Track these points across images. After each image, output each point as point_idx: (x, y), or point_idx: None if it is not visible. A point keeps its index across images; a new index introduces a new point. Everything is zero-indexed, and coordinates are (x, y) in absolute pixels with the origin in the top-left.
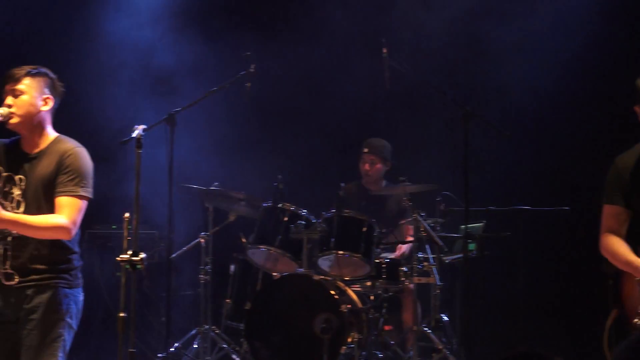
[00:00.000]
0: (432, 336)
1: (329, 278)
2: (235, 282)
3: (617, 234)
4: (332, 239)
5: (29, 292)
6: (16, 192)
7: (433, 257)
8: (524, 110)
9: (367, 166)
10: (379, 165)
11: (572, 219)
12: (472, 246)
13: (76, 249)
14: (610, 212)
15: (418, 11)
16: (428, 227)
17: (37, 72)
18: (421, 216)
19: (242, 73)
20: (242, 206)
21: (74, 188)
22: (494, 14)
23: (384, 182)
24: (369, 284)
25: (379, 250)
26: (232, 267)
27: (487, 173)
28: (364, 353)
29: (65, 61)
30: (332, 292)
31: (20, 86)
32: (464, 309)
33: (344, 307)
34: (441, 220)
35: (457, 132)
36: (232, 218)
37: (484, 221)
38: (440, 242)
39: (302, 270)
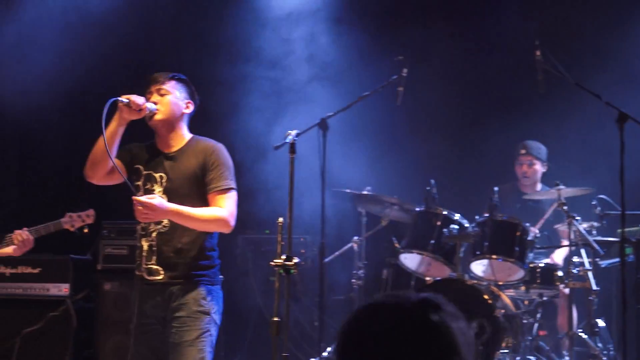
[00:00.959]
0: (588, 341)
1: (482, 283)
2: (388, 287)
3: None
4: (486, 243)
5: (175, 289)
6: (157, 189)
7: (589, 262)
8: None
9: (524, 167)
10: (536, 167)
11: None
12: (628, 250)
13: (216, 247)
14: None
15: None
16: (583, 232)
17: (180, 78)
18: (576, 220)
19: (394, 77)
20: (394, 210)
21: (226, 182)
22: None
23: (539, 185)
24: (523, 288)
25: (532, 254)
26: (384, 272)
27: None
28: (518, 358)
29: (212, 69)
30: (486, 296)
31: (165, 87)
32: (621, 314)
33: (498, 312)
34: (597, 224)
35: (613, 135)
36: (384, 222)
37: None
38: (596, 247)
39: (455, 274)
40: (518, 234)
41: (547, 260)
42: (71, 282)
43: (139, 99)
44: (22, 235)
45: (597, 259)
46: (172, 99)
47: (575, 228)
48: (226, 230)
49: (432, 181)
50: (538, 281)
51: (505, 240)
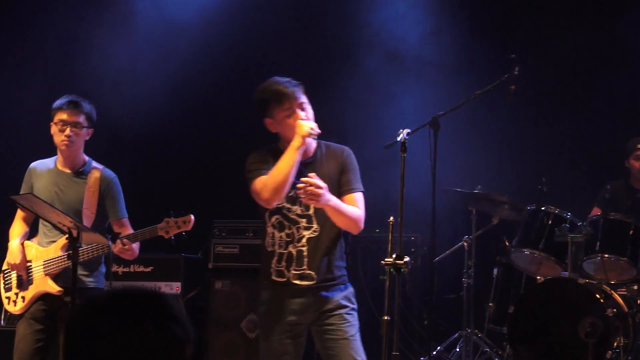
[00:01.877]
0: None
1: (594, 282)
2: (498, 286)
3: None
4: (598, 242)
5: (326, 292)
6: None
7: None
8: None
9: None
10: None
11: None
12: None
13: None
14: None
15: None
16: None
17: (301, 84)
18: None
19: (505, 76)
20: (505, 209)
21: (359, 185)
22: None
23: None
24: (635, 287)
25: None
26: (495, 271)
27: None
28: (630, 358)
29: (320, 67)
30: (598, 295)
31: (304, 98)
32: None
33: (610, 311)
34: None
35: None
36: (495, 221)
37: None
38: None
39: (566, 273)
40: (631, 232)
41: None
42: (182, 280)
43: (315, 126)
44: (118, 246)
45: None
46: (310, 110)
47: None
48: (356, 231)
49: (544, 179)
50: None
51: (617, 239)
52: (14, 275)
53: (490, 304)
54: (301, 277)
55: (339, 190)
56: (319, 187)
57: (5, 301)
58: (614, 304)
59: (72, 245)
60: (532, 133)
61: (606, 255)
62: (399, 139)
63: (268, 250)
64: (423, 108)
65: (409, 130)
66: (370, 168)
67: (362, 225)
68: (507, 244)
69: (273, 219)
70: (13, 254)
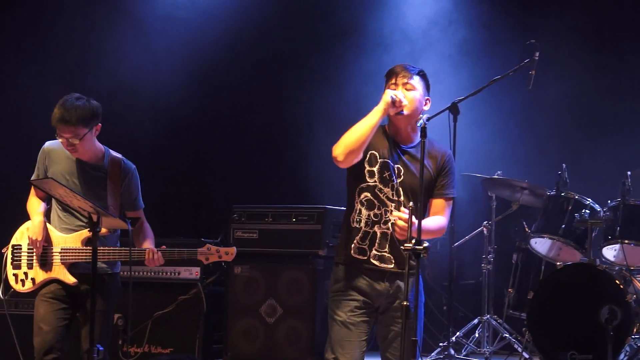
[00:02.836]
0: None
1: (614, 268)
2: (518, 271)
3: None
4: (618, 228)
5: (398, 279)
6: (395, 179)
7: None
8: None
9: None
10: None
11: None
12: None
13: None
14: None
15: None
16: None
17: (424, 74)
18: None
19: (526, 61)
20: (525, 195)
21: (453, 191)
22: None
23: None
24: None
25: None
26: (514, 256)
27: None
28: None
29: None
30: (618, 282)
31: (412, 82)
32: None
33: (630, 297)
34: None
35: None
36: (514, 207)
37: None
38: None
39: (586, 259)
40: None
41: None
42: (202, 265)
43: (402, 97)
44: (153, 253)
45: None
46: (417, 96)
47: None
48: (439, 236)
49: (564, 165)
50: None
51: (637, 225)
52: (24, 253)
53: (510, 290)
54: (381, 259)
55: (432, 191)
56: (405, 225)
57: (12, 278)
58: (634, 290)
59: (92, 229)
60: (552, 118)
61: (626, 241)
62: (418, 124)
63: (352, 227)
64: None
65: (428, 115)
66: None
67: (443, 233)
68: (526, 229)
69: (362, 196)
70: (36, 229)
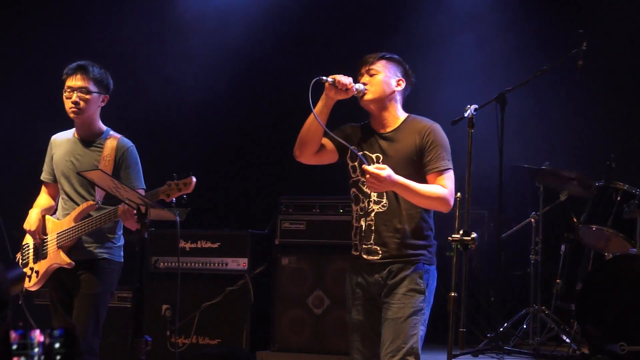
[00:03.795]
0: None
1: None
2: (566, 262)
3: None
4: None
5: (393, 267)
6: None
7: None
8: None
9: None
10: None
11: None
12: None
13: (433, 226)
14: None
15: None
16: None
17: (390, 57)
18: None
19: (574, 51)
20: (573, 185)
21: (443, 163)
22: None
23: None
24: None
25: None
26: (562, 247)
27: None
28: None
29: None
30: None
31: (375, 67)
32: None
33: None
34: None
35: None
36: (562, 197)
37: None
38: None
39: (635, 250)
40: None
41: None
42: (249, 256)
43: (345, 79)
44: (123, 207)
45: None
46: (382, 78)
47: None
48: (445, 209)
49: (613, 155)
50: None
51: None
52: (31, 250)
53: (558, 281)
54: (368, 252)
55: (424, 168)
56: (377, 176)
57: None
58: None
59: (141, 221)
60: (600, 108)
61: None
62: (466, 114)
63: (352, 224)
64: (490, 84)
65: (476, 106)
66: None
67: (450, 204)
68: (575, 220)
69: (351, 192)
70: (30, 219)
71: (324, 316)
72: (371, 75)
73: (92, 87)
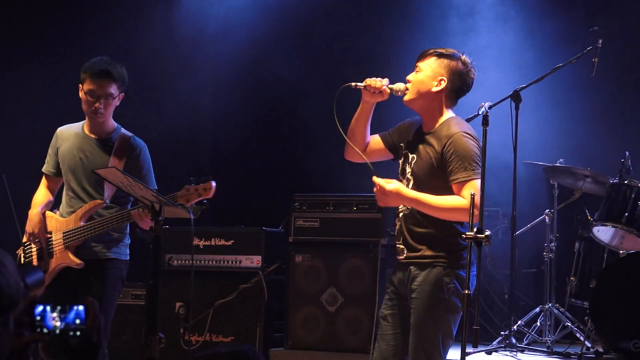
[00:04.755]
0: None
1: None
2: (580, 260)
3: None
4: None
5: (413, 269)
6: (407, 169)
7: None
8: None
9: None
10: None
11: None
12: None
13: (462, 229)
14: None
15: None
16: None
17: (442, 54)
18: None
19: (588, 48)
20: (587, 183)
21: (464, 174)
22: None
23: None
24: None
25: None
26: (576, 245)
27: None
28: None
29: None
30: None
31: (421, 64)
32: None
33: None
34: None
35: None
36: (577, 195)
37: None
38: None
39: None
40: None
41: None
42: (263, 254)
43: (376, 82)
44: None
45: None
46: (421, 77)
47: None
48: (467, 220)
49: (627, 153)
50: None
51: None
52: (34, 249)
53: (572, 278)
54: (397, 250)
55: (447, 178)
56: (381, 190)
57: None
58: None
59: (155, 218)
60: (615, 105)
61: None
62: (480, 112)
63: None
64: (503, 82)
65: (490, 103)
66: None
67: (467, 217)
68: (589, 217)
69: None
70: (32, 222)
71: (338, 314)
72: (417, 73)
73: (116, 92)
